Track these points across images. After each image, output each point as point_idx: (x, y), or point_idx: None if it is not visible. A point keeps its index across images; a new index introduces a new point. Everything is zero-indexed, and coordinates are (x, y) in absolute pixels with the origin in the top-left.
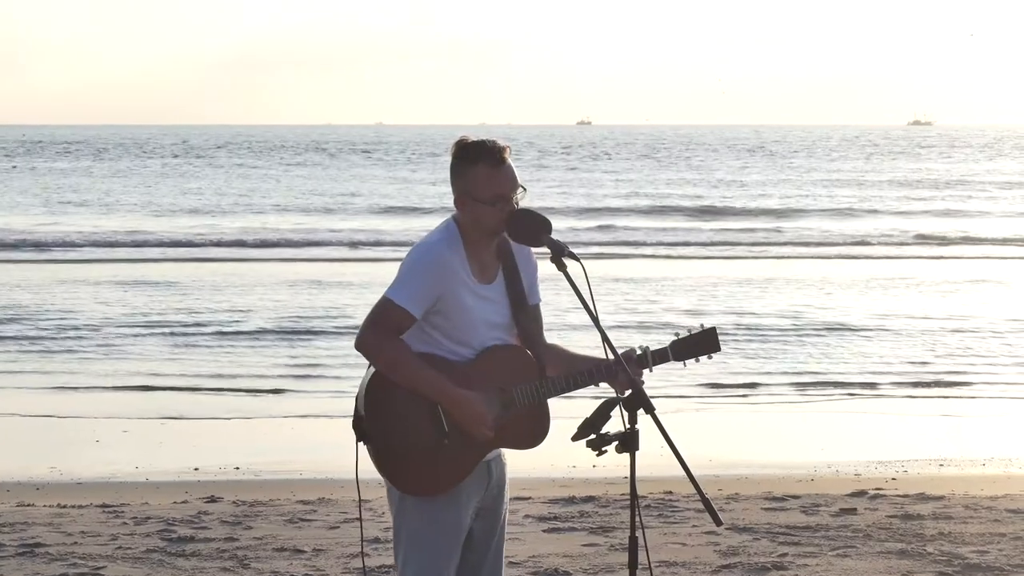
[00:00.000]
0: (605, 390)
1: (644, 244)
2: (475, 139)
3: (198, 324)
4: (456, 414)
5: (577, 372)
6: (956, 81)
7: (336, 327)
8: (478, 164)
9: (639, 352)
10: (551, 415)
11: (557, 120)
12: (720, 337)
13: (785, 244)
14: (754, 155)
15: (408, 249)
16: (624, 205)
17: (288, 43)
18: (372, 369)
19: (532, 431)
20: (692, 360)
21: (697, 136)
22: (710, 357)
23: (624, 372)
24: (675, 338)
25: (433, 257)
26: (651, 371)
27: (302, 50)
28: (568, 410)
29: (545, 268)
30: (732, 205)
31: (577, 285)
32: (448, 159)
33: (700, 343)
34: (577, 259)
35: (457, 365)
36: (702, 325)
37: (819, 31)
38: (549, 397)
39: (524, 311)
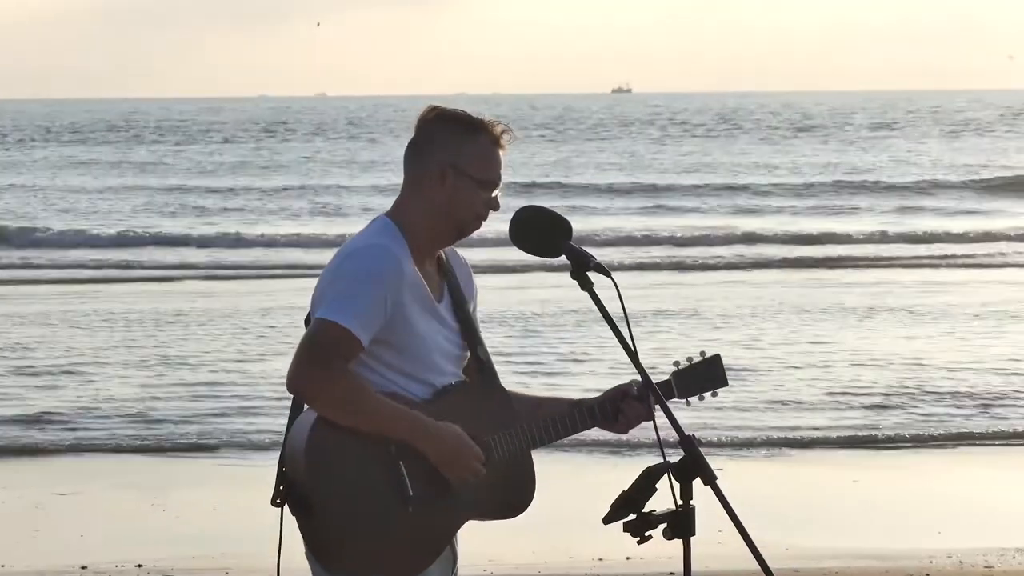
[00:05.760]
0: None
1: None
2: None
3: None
4: (438, 454)
5: (571, 413)
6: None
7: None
8: (479, 135)
9: (637, 388)
10: (535, 473)
11: (573, 87)
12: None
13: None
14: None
15: (336, 254)
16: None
17: None
18: (308, 419)
19: (514, 494)
20: (695, 397)
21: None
22: (715, 394)
23: (665, 409)
24: (675, 369)
25: (384, 264)
26: (654, 409)
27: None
28: (586, 476)
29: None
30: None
31: (606, 306)
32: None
33: (703, 375)
34: (607, 273)
35: (414, 406)
36: (703, 353)
37: None
38: (535, 447)
39: (478, 339)
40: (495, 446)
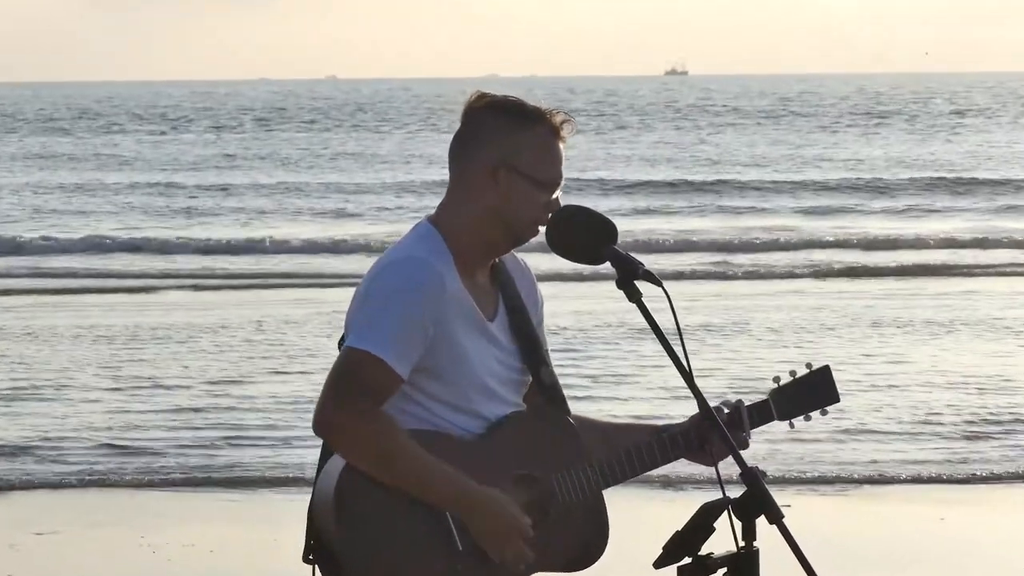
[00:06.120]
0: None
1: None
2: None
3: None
4: (479, 527)
5: (649, 444)
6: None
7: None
8: (535, 127)
9: (727, 411)
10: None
11: (621, 69)
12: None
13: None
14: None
15: (371, 267)
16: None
17: None
18: (338, 463)
19: (584, 542)
20: (801, 417)
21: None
22: (824, 412)
23: (724, 438)
24: (776, 386)
25: (422, 280)
26: (749, 436)
27: None
28: (636, 513)
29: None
30: None
31: (656, 319)
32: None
33: (811, 391)
34: (658, 282)
35: (462, 445)
36: (809, 365)
37: None
38: (608, 486)
39: (542, 359)
40: (560, 488)
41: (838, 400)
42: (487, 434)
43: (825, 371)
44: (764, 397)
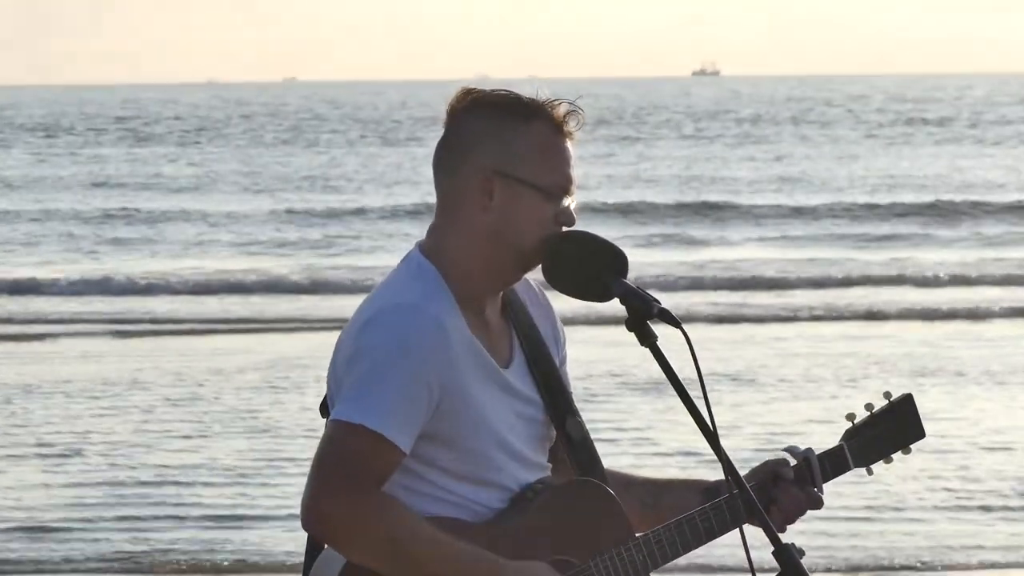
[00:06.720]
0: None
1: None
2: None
3: None
4: None
5: (704, 513)
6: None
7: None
8: (531, 122)
9: (795, 462)
10: None
11: (643, 70)
12: None
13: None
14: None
15: (354, 317)
16: None
17: None
18: (334, 562)
19: None
20: (881, 461)
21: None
22: (907, 451)
23: (755, 510)
24: (850, 425)
25: (420, 332)
26: (822, 492)
27: None
28: None
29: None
30: None
31: (674, 367)
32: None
33: (891, 428)
34: (676, 323)
35: (481, 531)
36: (889, 396)
37: None
38: (658, 566)
39: (568, 408)
40: (599, 572)
41: (923, 435)
42: (510, 510)
43: (907, 401)
44: (839, 442)
